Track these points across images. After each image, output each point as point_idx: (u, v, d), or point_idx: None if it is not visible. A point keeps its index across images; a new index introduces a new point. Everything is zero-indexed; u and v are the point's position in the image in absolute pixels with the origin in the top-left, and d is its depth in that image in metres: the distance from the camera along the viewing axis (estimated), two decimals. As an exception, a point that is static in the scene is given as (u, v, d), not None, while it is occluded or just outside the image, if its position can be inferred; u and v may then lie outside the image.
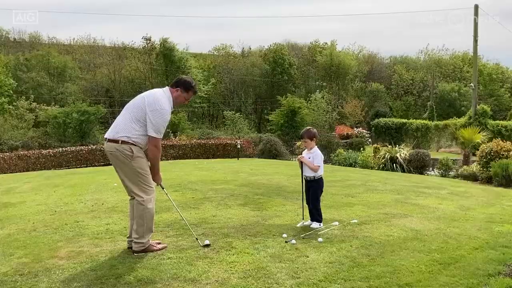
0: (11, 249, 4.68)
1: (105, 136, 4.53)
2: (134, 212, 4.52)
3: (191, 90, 4.71)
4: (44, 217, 6.20)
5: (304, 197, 5.63)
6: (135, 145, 4.40)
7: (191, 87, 4.71)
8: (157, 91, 4.62)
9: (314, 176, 5.48)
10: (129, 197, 4.67)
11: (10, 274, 3.95)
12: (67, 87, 38.10)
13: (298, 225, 5.51)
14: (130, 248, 4.56)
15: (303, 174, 5.57)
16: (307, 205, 5.57)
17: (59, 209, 6.80)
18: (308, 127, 5.76)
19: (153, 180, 4.57)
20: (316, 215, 5.50)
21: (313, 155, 5.48)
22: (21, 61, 38.92)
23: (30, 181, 11.42)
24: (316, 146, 5.55)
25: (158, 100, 4.48)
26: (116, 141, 4.39)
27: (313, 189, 5.51)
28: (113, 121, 4.67)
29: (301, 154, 5.65)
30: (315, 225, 5.43)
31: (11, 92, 32.85)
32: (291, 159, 24.28)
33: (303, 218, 5.63)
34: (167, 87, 4.70)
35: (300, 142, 26.13)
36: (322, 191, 5.59)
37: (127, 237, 4.70)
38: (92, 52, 46.90)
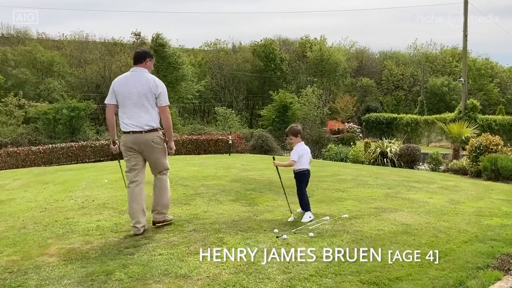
0: (0, 247, 4.64)
1: (135, 129, 5.01)
2: (155, 190, 5.25)
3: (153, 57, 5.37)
4: (34, 214, 6.15)
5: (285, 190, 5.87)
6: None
7: (152, 55, 5.36)
8: (147, 75, 5.12)
9: (293, 170, 5.68)
10: (134, 183, 5.10)
11: (-1, 272, 3.92)
12: (50, 82, 37.62)
13: (289, 220, 5.52)
14: (137, 234, 4.92)
15: None
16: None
17: (49, 206, 6.74)
18: (291, 125, 5.88)
19: (170, 146, 5.29)
20: (302, 204, 5.61)
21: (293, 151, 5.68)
22: (8, 56, 38.37)
23: (20, 178, 11.32)
24: (300, 142, 5.67)
25: (155, 79, 5.14)
26: (155, 130, 5.10)
27: (295, 181, 5.69)
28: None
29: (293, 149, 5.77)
30: (305, 218, 5.46)
31: (-2, 88, 32.50)
32: (283, 154, 24.31)
33: (291, 212, 5.66)
34: (140, 67, 5.15)
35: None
36: (304, 183, 5.68)
37: (136, 223, 4.99)
38: (82, 48, 46.46)
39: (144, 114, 5.02)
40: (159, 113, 5.15)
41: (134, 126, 5.02)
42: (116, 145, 5.39)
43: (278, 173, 5.84)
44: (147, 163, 5.25)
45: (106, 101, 5.15)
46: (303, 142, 5.73)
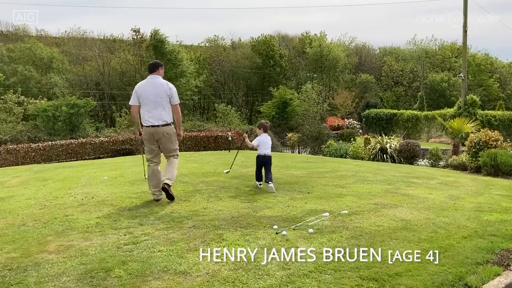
0: (0, 244, 4.64)
1: (153, 124, 6.38)
2: (166, 167, 6.56)
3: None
4: (33, 211, 6.15)
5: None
6: None
7: (163, 64, 6.82)
8: (161, 80, 6.49)
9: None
10: (153, 162, 6.54)
11: (-2, 269, 3.91)
12: (51, 77, 37.56)
13: (225, 171, 8.51)
14: (158, 200, 6.45)
15: None
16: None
17: (48, 203, 6.74)
18: (260, 120, 7.94)
19: (179, 133, 6.71)
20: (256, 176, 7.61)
21: None
22: (4, 52, 38.30)
23: (19, 175, 11.31)
24: (263, 134, 7.55)
25: (167, 83, 6.51)
26: (169, 124, 6.49)
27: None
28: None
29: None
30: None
31: (-2, 86, 32.44)
32: (283, 150, 24.29)
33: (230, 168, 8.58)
34: (155, 75, 6.49)
35: (291, 134, 26.23)
36: (257, 164, 7.57)
37: (157, 191, 6.50)
38: (81, 45, 46.38)
39: (161, 111, 6.39)
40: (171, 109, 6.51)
41: (153, 121, 6.39)
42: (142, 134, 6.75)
43: (237, 150, 8.34)
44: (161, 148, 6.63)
45: (131, 103, 6.52)
46: (266, 134, 7.58)
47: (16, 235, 4.95)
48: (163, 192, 6.42)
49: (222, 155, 16.11)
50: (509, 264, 4.08)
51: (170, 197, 6.46)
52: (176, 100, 6.51)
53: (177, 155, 6.76)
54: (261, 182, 7.51)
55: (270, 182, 7.15)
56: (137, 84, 6.62)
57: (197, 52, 48.66)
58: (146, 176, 7.11)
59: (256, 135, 7.66)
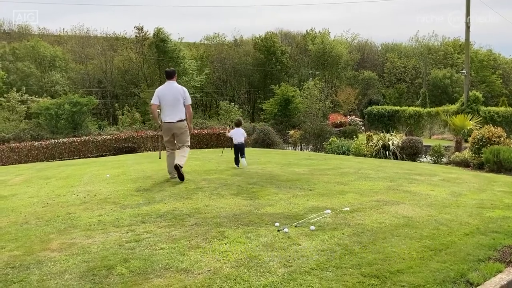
0: (2, 242, 4.66)
1: (171, 120, 7.95)
2: (179, 153, 8.06)
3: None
4: (36, 210, 6.17)
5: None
6: None
7: (176, 72, 8.42)
8: (176, 85, 8.06)
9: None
10: (170, 150, 8.28)
11: (1, 267, 3.93)
12: (53, 75, 37.62)
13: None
14: (174, 178, 8.05)
15: None
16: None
17: (51, 201, 6.76)
18: (237, 117, 11.57)
19: (190, 127, 8.20)
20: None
21: None
22: (7, 50, 38.39)
23: (22, 173, 11.34)
24: (236, 128, 10.14)
25: (182, 88, 8.10)
26: (183, 120, 8.03)
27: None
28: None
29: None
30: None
31: (1, 84, 32.49)
32: (285, 148, 24.26)
33: (222, 153, 10.60)
34: (172, 80, 8.06)
35: (293, 131, 26.20)
36: (237, 151, 10.05)
37: (172, 170, 8.04)
38: (84, 43, 46.39)
39: (177, 110, 7.94)
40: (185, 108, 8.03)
41: (171, 118, 7.95)
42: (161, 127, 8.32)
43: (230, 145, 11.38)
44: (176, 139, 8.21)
45: (152, 102, 8.02)
46: (240, 128, 10.16)
47: (18, 233, 4.97)
48: (176, 173, 7.88)
49: (223, 153, 16.09)
50: (511, 261, 4.07)
51: (181, 177, 7.78)
52: (189, 101, 8.02)
53: (188, 145, 8.29)
54: (238, 166, 9.97)
55: (243, 159, 9.97)
56: (158, 88, 8.19)
57: (199, 49, 48.64)
58: (160, 158, 9.29)
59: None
